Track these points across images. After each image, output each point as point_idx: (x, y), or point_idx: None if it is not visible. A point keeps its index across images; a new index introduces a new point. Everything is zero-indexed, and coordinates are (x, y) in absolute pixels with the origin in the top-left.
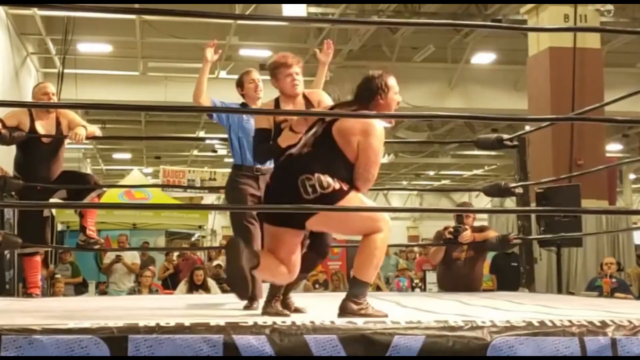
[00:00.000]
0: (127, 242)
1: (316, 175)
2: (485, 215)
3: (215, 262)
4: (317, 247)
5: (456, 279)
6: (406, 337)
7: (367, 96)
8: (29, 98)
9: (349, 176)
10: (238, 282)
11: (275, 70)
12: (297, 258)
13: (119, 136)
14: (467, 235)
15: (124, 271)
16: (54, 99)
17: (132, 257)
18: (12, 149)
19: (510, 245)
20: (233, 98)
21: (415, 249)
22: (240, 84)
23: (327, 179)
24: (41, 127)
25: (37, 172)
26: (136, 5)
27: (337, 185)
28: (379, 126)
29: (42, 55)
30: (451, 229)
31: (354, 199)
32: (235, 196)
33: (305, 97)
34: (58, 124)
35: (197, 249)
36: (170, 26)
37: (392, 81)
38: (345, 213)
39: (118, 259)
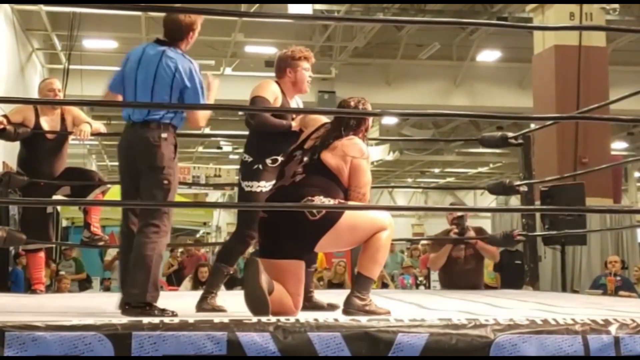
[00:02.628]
0: None
1: (316, 197)
2: (489, 214)
3: None
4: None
5: (457, 277)
6: (410, 335)
7: (347, 122)
8: (34, 94)
9: (345, 197)
10: (257, 303)
11: (296, 61)
12: (302, 291)
13: None
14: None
15: None
16: (60, 95)
17: None
18: (17, 145)
19: (513, 242)
20: (239, 95)
21: (420, 246)
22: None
23: (327, 199)
24: (46, 123)
25: (41, 168)
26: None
27: (336, 201)
28: (366, 150)
29: (47, 51)
30: (456, 230)
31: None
32: None
33: None
34: (63, 120)
35: (201, 245)
36: None
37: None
38: (353, 224)
39: (119, 256)
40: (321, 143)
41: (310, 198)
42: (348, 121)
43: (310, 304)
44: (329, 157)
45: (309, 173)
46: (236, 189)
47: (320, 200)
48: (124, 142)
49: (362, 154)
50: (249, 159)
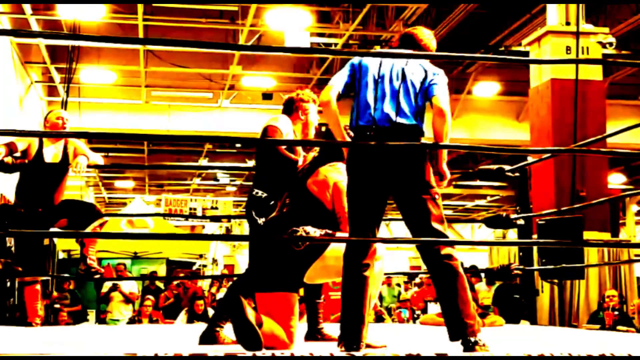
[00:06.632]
0: (125, 270)
1: (301, 227)
2: (486, 247)
3: (219, 296)
4: (312, 293)
5: None
6: None
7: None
8: (33, 126)
9: (333, 225)
10: (248, 338)
11: (304, 103)
12: (296, 323)
13: (122, 164)
14: None
15: (120, 300)
16: (67, 126)
17: (130, 286)
18: (14, 177)
19: (511, 276)
20: (237, 127)
21: (418, 279)
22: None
23: (312, 229)
24: (49, 152)
25: (40, 197)
26: (140, 35)
27: (322, 232)
28: None
29: (46, 83)
30: None
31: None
32: None
33: None
34: (65, 150)
35: (197, 278)
36: (173, 55)
37: None
38: (340, 255)
39: (114, 288)
40: (307, 172)
41: (294, 229)
42: (333, 149)
43: (321, 337)
44: (312, 184)
45: (295, 204)
46: (234, 221)
47: (304, 229)
48: None
49: (345, 177)
50: (262, 194)
